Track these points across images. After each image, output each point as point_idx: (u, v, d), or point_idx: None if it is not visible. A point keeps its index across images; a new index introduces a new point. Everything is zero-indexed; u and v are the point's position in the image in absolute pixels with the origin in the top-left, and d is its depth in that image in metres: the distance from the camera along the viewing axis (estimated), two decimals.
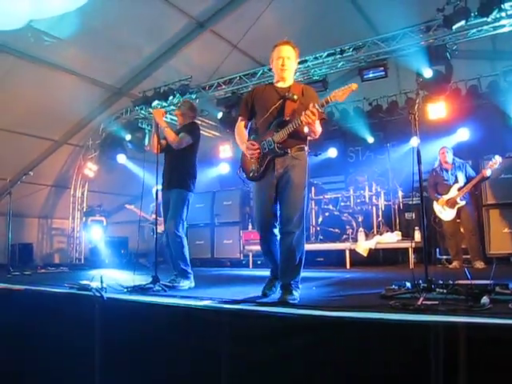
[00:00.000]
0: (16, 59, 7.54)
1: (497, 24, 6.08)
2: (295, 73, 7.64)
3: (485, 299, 2.47)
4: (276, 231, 3.32)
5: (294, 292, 3.06)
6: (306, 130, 3.20)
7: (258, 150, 3.26)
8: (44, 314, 3.67)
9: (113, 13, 7.18)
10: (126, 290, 3.73)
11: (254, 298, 3.30)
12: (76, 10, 6.57)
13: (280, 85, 3.39)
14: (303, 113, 3.02)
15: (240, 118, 3.52)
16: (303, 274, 3.26)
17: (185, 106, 4.65)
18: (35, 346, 3.64)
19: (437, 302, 2.59)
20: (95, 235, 9.42)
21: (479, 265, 6.06)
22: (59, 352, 3.44)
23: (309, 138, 3.26)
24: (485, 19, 6.03)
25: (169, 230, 4.29)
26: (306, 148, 3.29)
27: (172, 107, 8.67)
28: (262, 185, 3.30)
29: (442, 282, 3.04)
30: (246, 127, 3.50)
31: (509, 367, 1.86)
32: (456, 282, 3.01)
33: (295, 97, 3.22)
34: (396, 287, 3.24)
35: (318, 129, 3.17)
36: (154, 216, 8.33)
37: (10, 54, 7.46)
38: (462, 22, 6.08)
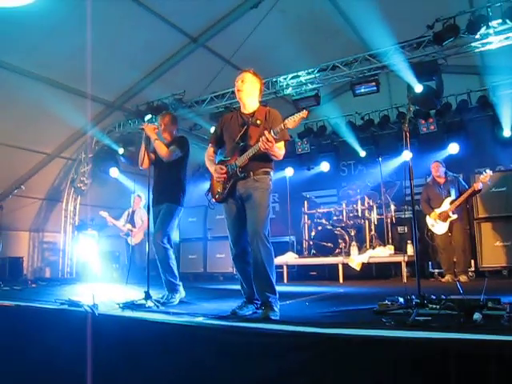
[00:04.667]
0: (9, 73, 7.56)
1: (485, 40, 6.21)
2: (287, 87, 7.87)
3: (477, 315, 2.47)
4: (249, 250, 3.38)
5: (275, 308, 3.15)
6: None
7: (225, 175, 3.40)
8: (34, 331, 3.62)
9: (106, 27, 7.23)
10: (118, 306, 3.69)
11: (247, 315, 3.30)
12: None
13: (245, 111, 3.49)
14: (260, 139, 3.13)
15: (210, 145, 3.69)
16: (296, 288, 3.27)
17: (166, 120, 4.53)
18: (25, 364, 3.58)
19: (429, 318, 2.60)
20: (87, 249, 9.34)
21: (462, 278, 6.26)
22: (50, 370, 3.39)
23: (274, 158, 3.33)
24: (473, 36, 6.16)
25: (154, 242, 4.25)
26: (271, 171, 3.40)
27: None
28: (229, 206, 3.46)
29: (434, 298, 3.05)
30: (215, 153, 3.67)
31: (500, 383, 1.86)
32: (448, 297, 3.02)
33: (258, 122, 3.36)
34: (389, 303, 3.24)
35: (280, 152, 3.28)
36: (128, 226, 8.27)
37: (2, 68, 7.49)
38: (452, 39, 6.20)
